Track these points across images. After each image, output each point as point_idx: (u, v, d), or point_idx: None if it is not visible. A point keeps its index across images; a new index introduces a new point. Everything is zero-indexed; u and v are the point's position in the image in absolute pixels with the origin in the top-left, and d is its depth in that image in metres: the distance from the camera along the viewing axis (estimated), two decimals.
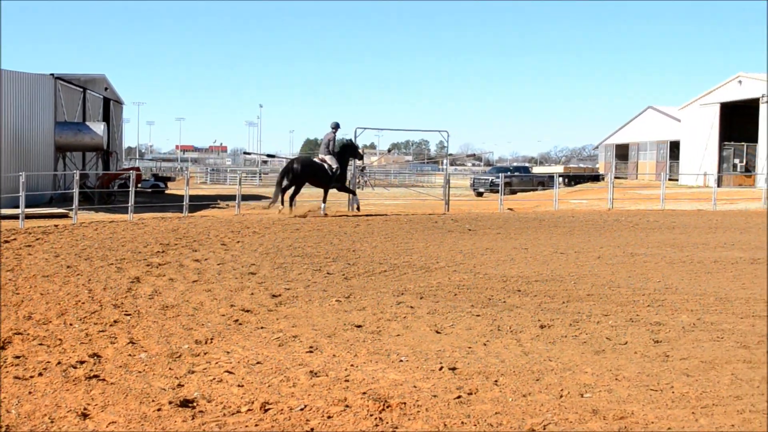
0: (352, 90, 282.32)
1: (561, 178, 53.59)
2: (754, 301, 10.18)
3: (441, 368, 6.73)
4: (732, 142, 57.34)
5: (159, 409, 5.58)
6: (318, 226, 20.93)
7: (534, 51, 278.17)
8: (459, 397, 5.90)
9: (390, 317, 8.97)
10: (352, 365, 6.87)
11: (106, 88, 42.82)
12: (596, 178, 66.90)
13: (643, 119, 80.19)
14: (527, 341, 7.84)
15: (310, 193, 27.98)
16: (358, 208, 27.34)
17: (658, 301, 10.12)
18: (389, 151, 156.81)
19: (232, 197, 30.08)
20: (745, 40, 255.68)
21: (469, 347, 7.57)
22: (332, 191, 27.04)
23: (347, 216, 25.29)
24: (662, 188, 33.97)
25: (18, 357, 7.04)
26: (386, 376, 6.52)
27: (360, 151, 29.16)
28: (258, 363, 6.95)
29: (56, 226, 19.96)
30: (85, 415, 5.46)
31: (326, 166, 26.34)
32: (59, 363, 6.82)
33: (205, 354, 7.28)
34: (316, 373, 6.57)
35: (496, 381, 6.37)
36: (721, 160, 57.20)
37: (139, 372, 6.64)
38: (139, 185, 38.66)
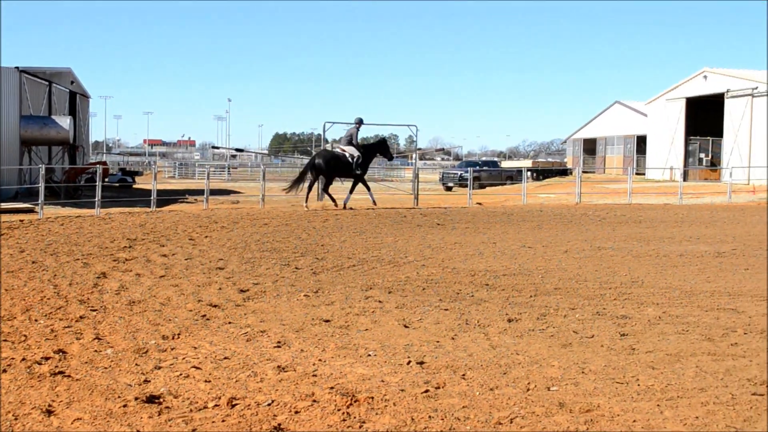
0: (321, 84, 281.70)
1: (529, 173, 53.84)
2: (719, 294, 10.29)
3: (409, 362, 6.74)
4: (697, 137, 57.89)
5: (125, 406, 5.53)
6: (287, 221, 20.87)
7: (502, 46, 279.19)
8: (426, 391, 5.91)
9: (358, 312, 8.97)
10: (320, 360, 6.86)
11: (72, 82, 42.37)
12: (564, 172, 67.24)
13: (611, 114, 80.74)
14: (495, 335, 7.87)
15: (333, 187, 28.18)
16: (374, 203, 27.62)
17: (625, 295, 10.20)
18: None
19: (200, 192, 29.91)
20: (709, 36, 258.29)
21: (437, 341, 7.59)
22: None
23: (325, 210, 25.23)
24: (629, 182, 34.24)
25: None
26: (354, 370, 6.52)
27: (391, 151, 29.72)
28: (225, 358, 6.92)
29: (21, 221, 19.74)
30: (49, 412, 5.40)
31: (347, 155, 26.95)
32: (24, 359, 6.74)
33: (172, 349, 7.24)
34: (283, 368, 6.55)
35: (463, 375, 6.39)
36: (687, 154, 57.75)
37: (105, 368, 6.59)
38: (106, 180, 38.36)
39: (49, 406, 5.53)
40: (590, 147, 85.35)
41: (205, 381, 6.21)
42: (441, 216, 23.39)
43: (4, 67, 32.28)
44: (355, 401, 5.63)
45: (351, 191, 27.65)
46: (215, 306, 9.27)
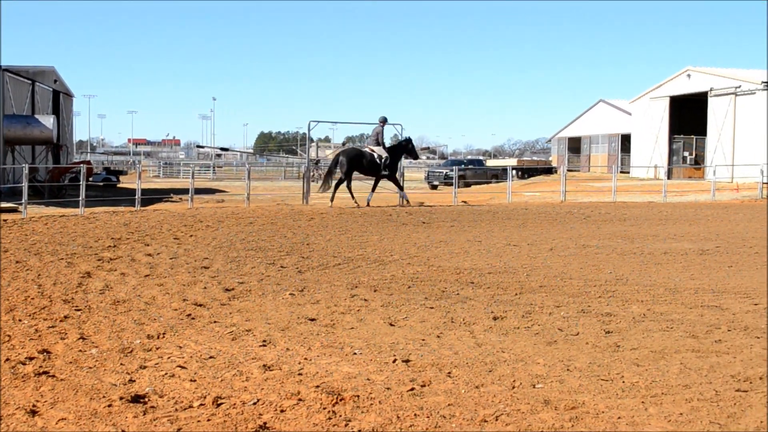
0: (307, 83, 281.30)
1: (514, 171, 53.94)
2: (703, 291, 10.34)
3: (394, 361, 6.75)
4: (681, 135, 58.15)
5: (110, 405, 5.51)
6: (272, 220, 20.85)
7: (488, 45, 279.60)
8: (412, 389, 5.92)
9: (344, 310, 8.97)
10: (305, 359, 6.86)
11: (55, 81, 42.15)
12: (549, 170, 67.42)
13: (595, 112, 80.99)
14: (480, 333, 7.88)
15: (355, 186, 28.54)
16: (408, 202, 28.01)
17: (609, 292, 10.24)
18: (344, 144, 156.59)
19: (185, 191, 29.83)
20: (693, 35, 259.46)
21: (423, 339, 7.60)
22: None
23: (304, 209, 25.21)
24: (614, 181, 34.39)
25: None
26: (340, 369, 6.52)
27: (417, 151, 30.31)
28: (211, 357, 6.91)
29: (5, 220, 19.63)
30: (33, 412, 5.38)
31: (375, 155, 27.32)
32: (8, 360, 6.71)
33: (157, 349, 7.22)
34: (269, 367, 6.55)
35: (449, 373, 6.40)
36: (671, 152, 58.00)
37: (90, 368, 6.56)
38: (91, 179, 38.19)
39: (33, 406, 5.50)
40: (575, 145, 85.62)
41: (191, 380, 6.20)
42: (426, 214, 23.41)
43: None
44: (340, 400, 5.63)
45: (373, 190, 28.17)
46: (200, 305, 9.24)
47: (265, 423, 5.22)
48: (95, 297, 9.68)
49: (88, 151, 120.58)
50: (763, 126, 47.46)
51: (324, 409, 5.45)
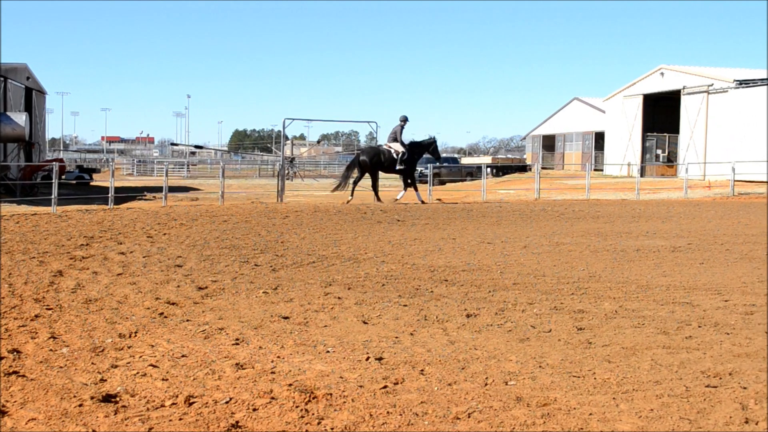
0: (282, 81, 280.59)
1: (489, 169, 54.09)
2: (674, 288, 10.42)
3: (368, 358, 6.75)
4: (654, 133, 58.59)
5: (80, 405, 5.48)
6: (246, 218, 20.78)
7: (462, 43, 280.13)
8: (385, 387, 5.93)
9: (317, 308, 8.96)
10: (278, 357, 6.84)
11: (28, 78, 41.76)
12: (523, 168, 67.67)
13: (569, 110, 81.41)
14: (453, 330, 7.90)
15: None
16: (422, 201, 28.39)
17: (582, 289, 10.29)
18: (319, 142, 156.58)
19: (159, 189, 29.67)
20: (666, 34, 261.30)
21: (396, 337, 7.60)
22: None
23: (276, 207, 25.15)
24: (587, 178, 34.57)
25: None
26: (313, 367, 6.51)
27: (438, 152, 30.68)
28: (183, 356, 6.88)
29: None
30: (3, 413, 5.33)
31: (392, 151, 28.05)
32: None
33: (129, 348, 7.17)
34: (242, 366, 6.53)
35: (422, 370, 6.41)
36: (644, 150, 58.41)
37: (61, 367, 6.51)
38: (63, 177, 37.86)
39: (3, 406, 5.46)
40: (549, 143, 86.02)
41: (163, 379, 6.16)
42: (401, 212, 23.43)
43: None
44: (313, 398, 5.63)
45: (405, 188, 28.91)
46: (173, 304, 9.20)
47: (237, 422, 5.21)
48: (67, 296, 9.60)
49: (61, 148, 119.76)
50: (734, 124, 47.89)
51: (296, 407, 5.45)
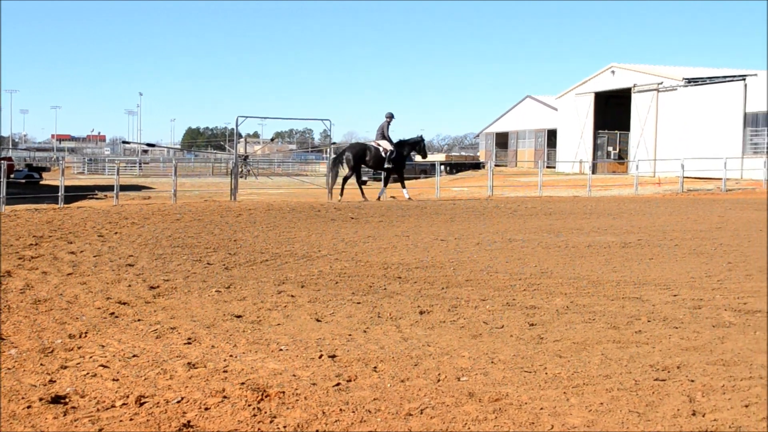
0: (234, 79, 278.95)
1: (443, 166, 54.27)
2: (624, 283, 10.55)
3: (321, 356, 6.74)
4: (606, 131, 59.26)
5: (29, 407, 5.40)
6: (199, 216, 20.63)
7: (415, 40, 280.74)
8: (338, 384, 5.93)
9: (270, 306, 8.93)
10: (231, 356, 6.81)
11: None
12: (477, 166, 68.08)
13: (522, 108, 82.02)
14: (407, 327, 7.93)
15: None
16: (409, 198, 28.66)
17: (534, 285, 10.38)
18: (273, 140, 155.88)
19: (110, 188, 29.32)
20: (617, 32, 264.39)
21: (349, 335, 7.61)
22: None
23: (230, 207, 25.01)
24: (540, 175, 34.86)
25: None
26: (265, 365, 6.49)
27: (426, 150, 31.07)
28: (134, 356, 6.81)
29: None
30: None
31: (381, 149, 28.14)
32: None
33: (79, 348, 7.09)
34: (194, 365, 6.48)
35: (375, 367, 6.42)
36: (596, 147, 59.08)
37: (9, 369, 6.41)
38: (12, 176, 37.26)
39: None
40: (502, 141, 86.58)
41: (113, 380, 6.10)
42: (355, 210, 23.43)
43: None
44: (266, 396, 5.61)
45: (385, 184, 29.06)
46: (124, 303, 9.11)
47: (189, 421, 5.17)
48: (15, 296, 9.45)
49: (10, 147, 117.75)
50: (683, 121, 48.62)
51: (249, 406, 5.43)
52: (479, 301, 9.24)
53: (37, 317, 8.32)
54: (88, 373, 6.27)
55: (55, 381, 6.08)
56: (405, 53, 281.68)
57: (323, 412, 5.31)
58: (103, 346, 7.15)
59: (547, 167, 60.92)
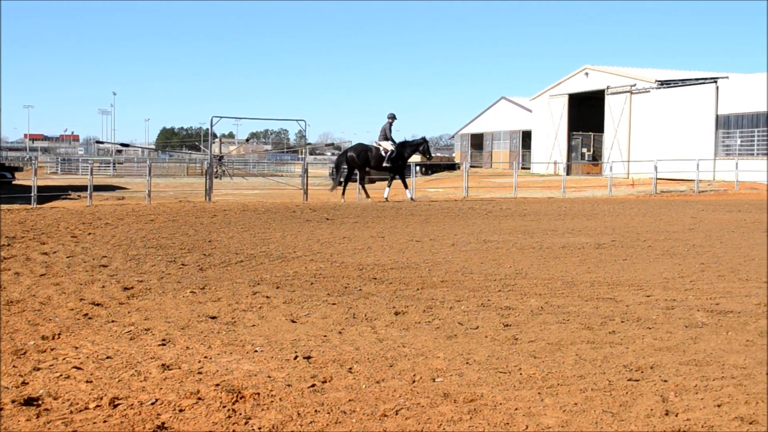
0: (209, 79, 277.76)
1: (418, 167, 54.30)
2: (599, 284, 10.62)
3: (296, 357, 6.73)
4: (580, 132, 59.56)
5: (1, 409, 5.35)
6: (173, 217, 20.53)
7: (391, 42, 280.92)
8: (313, 385, 5.92)
9: (245, 307, 8.90)
10: (205, 357, 6.79)
11: None
12: (452, 167, 68.18)
13: (497, 109, 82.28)
14: (382, 328, 7.93)
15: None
16: (412, 199, 28.71)
17: (509, 286, 10.42)
18: (248, 140, 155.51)
19: (84, 188, 29.11)
20: (590, 34, 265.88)
21: (325, 336, 7.60)
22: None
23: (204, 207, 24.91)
24: (515, 177, 35.01)
25: None
26: (240, 367, 6.47)
27: (431, 151, 31.48)
28: (108, 357, 6.77)
29: None
30: None
31: (381, 149, 28.34)
32: None
33: (52, 350, 7.03)
34: (168, 366, 6.45)
35: (350, 368, 6.42)
36: (570, 149, 59.37)
37: None
38: None
39: None
40: (478, 142, 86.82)
41: (87, 381, 6.06)
42: (330, 211, 23.41)
43: None
44: (240, 398, 5.60)
45: (389, 184, 29.18)
46: (98, 304, 9.04)
47: (163, 423, 5.15)
48: None
49: None
50: (656, 123, 48.97)
51: (224, 407, 5.41)
52: (454, 302, 9.26)
53: (10, 318, 8.24)
54: (61, 375, 6.22)
55: (27, 383, 6.03)
56: (380, 54, 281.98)
57: (298, 414, 5.30)
58: (76, 348, 7.10)
59: (522, 168, 61.18)
